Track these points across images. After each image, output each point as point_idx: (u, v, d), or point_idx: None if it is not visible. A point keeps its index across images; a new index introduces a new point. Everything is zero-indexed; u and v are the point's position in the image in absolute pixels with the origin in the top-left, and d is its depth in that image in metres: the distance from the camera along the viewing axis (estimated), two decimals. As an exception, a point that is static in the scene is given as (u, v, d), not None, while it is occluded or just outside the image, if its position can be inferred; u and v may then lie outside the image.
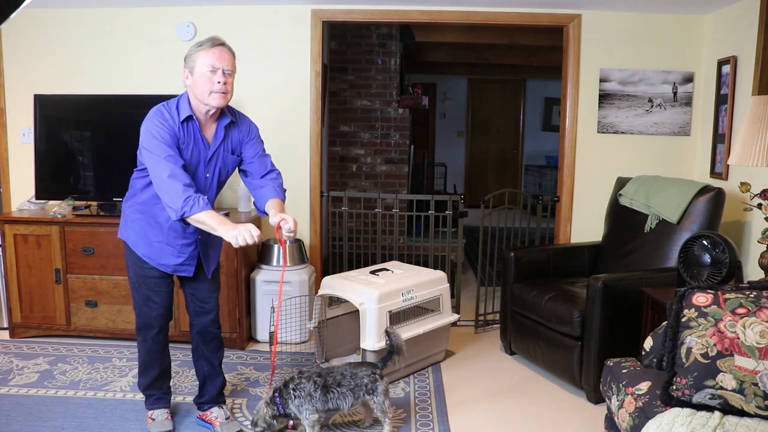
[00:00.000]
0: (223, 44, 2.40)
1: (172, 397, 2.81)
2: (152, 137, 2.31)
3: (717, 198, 3.24)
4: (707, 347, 1.89)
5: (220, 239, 2.42)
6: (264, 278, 3.76)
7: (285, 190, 2.61)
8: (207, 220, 2.27)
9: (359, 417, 2.83)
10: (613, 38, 4.06)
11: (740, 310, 1.91)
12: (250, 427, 2.70)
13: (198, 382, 2.80)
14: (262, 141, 2.65)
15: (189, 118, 2.39)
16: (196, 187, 2.34)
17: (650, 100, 4.09)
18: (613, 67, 4.08)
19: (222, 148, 2.49)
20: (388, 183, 6.32)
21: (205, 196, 2.33)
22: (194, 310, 2.69)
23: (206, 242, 2.57)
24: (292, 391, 2.54)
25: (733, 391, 1.85)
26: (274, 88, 4.13)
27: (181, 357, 3.46)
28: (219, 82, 2.34)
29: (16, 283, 3.71)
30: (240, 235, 2.21)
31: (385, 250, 4.47)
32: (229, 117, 2.50)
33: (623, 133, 4.13)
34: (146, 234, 2.50)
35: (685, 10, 3.95)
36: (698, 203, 3.26)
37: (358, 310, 3.18)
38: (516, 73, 9.24)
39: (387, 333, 2.75)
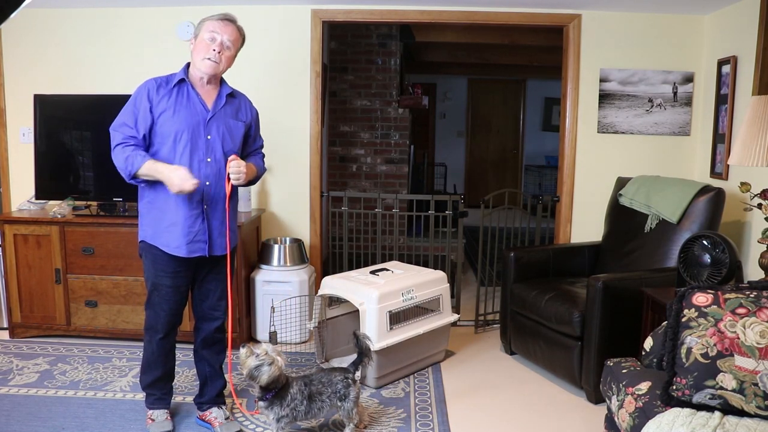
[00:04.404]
0: (231, 20, 2.49)
1: (172, 398, 2.81)
2: (128, 104, 2.47)
3: (717, 198, 3.24)
4: (707, 347, 1.89)
5: (223, 210, 2.55)
6: (264, 278, 3.77)
7: (265, 170, 2.81)
8: (152, 166, 2.39)
9: (359, 417, 2.83)
10: (613, 38, 4.06)
11: (740, 310, 1.91)
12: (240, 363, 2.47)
13: (198, 382, 2.81)
14: (261, 138, 2.81)
15: (181, 81, 2.48)
16: (195, 147, 2.46)
17: (650, 100, 4.09)
18: (613, 67, 4.08)
19: (223, 113, 2.55)
20: (388, 183, 6.32)
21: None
22: (202, 315, 2.71)
23: (211, 214, 2.54)
24: (282, 401, 2.46)
25: (733, 391, 1.85)
26: (274, 88, 4.13)
27: (181, 357, 3.45)
28: (214, 50, 2.44)
29: (16, 283, 3.71)
30: (176, 184, 2.34)
31: (385, 250, 4.47)
32: (230, 88, 2.61)
33: (623, 133, 4.13)
34: (159, 222, 2.51)
35: (685, 10, 3.95)
36: (698, 203, 3.26)
37: (358, 310, 3.19)
38: (516, 73, 9.24)
39: (355, 335, 2.69)
